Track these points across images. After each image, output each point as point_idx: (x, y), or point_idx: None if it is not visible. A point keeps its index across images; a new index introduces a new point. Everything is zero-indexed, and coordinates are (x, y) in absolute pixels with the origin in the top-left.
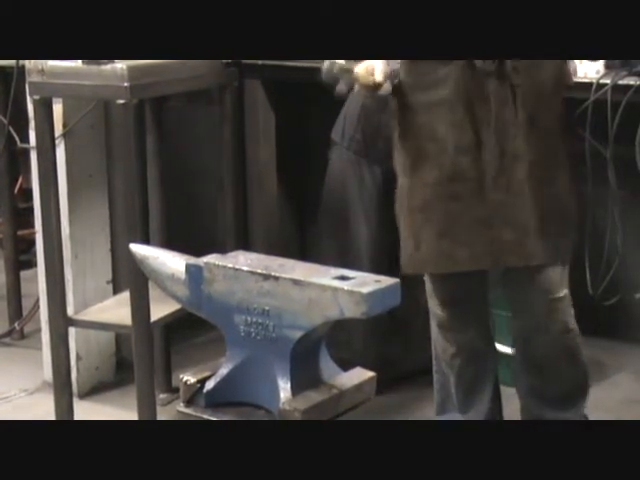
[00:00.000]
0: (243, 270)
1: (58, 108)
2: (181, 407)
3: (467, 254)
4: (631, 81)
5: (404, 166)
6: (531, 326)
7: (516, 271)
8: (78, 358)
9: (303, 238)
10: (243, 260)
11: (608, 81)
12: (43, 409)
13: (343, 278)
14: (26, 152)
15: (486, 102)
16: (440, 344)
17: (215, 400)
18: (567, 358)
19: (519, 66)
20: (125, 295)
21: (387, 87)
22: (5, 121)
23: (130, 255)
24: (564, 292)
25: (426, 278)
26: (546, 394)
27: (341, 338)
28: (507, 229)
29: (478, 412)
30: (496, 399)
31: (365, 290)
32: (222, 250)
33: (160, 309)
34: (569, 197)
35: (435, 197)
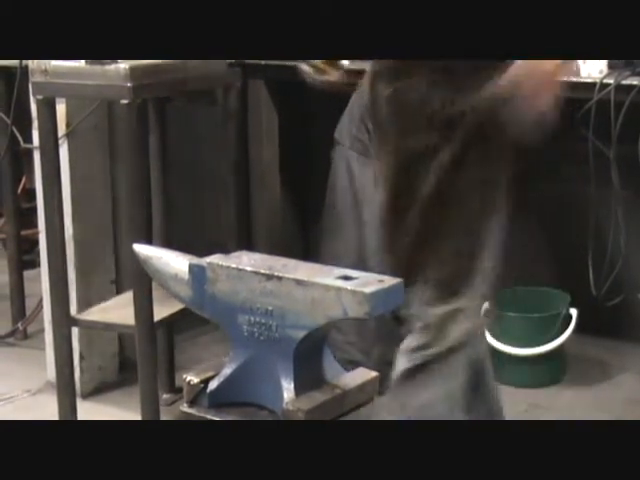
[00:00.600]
0: (246, 270)
1: (61, 108)
2: (184, 407)
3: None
4: (634, 81)
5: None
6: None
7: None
8: (81, 358)
9: (306, 238)
10: (246, 260)
11: (611, 81)
12: (46, 409)
13: (346, 278)
14: (29, 152)
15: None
16: None
17: (218, 400)
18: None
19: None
20: (128, 295)
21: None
22: (8, 121)
23: (133, 255)
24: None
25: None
26: None
27: (344, 338)
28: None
29: None
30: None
31: (368, 290)
32: (225, 250)
33: (163, 309)
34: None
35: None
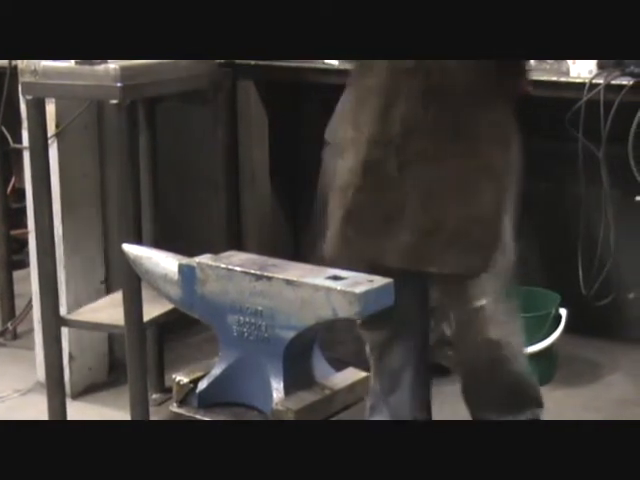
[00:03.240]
0: (236, 270)
1: (51, 108)
2: (174, 407)
3: (369, 247)
4: (624, 81)
5: (339, 149)
6: (452, 335)
7: (435, 278)
8: (71, 358)
9: (296, 238)
10: (236, 260)
11: (601, 81)
12: (36, 409)
13: (336, 278)
14: (19, 152)
15: (401, 96)
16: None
17: (208, 400)
18: (489, 369)
19: (434, 66)
20: (118, 295)
21: None
22: None
23: (123, 255)
24: (483, 302)
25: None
26: (478, 400)
27: (334, 338)
28: (406, 231)
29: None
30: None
31: (358, 290)
32: (215, 250)
33: (153, 309)
34: (493, 208)
35: (349, 183)
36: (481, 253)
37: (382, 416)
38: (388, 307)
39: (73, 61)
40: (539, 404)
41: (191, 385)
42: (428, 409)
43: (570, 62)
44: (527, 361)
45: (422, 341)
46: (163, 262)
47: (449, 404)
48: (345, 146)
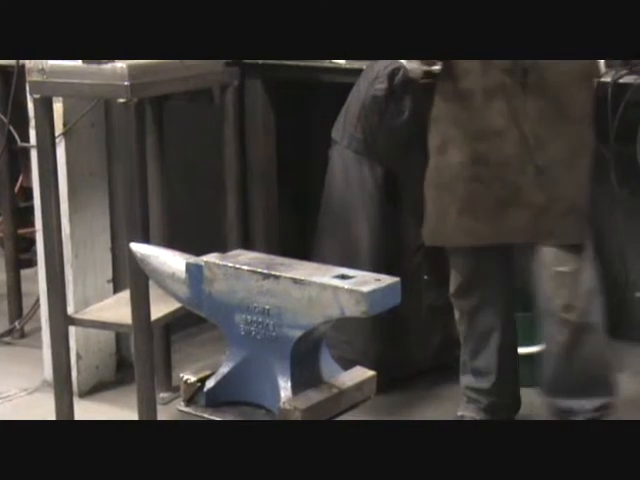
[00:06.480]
0: (243, 269)
1: (58, 107)
2: (181, 406)
3: (487, 230)
4: (631, 80)
5: (433, 147)
6: (539, 302)
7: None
8: (78, 357)
9: (303, 237)
10: (243, 259)
11: (608, 80)
12: (43, 409)
13: (343, 277)
14: (26, 151)
15: (503, 94)
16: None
17: (215, 399)
18: (571, 340)
19: (530, 65)
20: (125, 294)
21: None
22: (5, 120)
23: (130, 254)
24: (569, 268)
25: (450, 254)
26: (554, 381)
27: (341, 337)
28: (525, 210)
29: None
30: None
31: (365, 289)
32: (223, 249)
33: (160, 308)
34: (588, 179)
35: (458, 177)
36: (586, 220)
37: (466, 379)
38: (479, 275)
39: (80, 60)
40: (611, 391)
41: (198, 384)
42: (515, 371)
43: None
44: (605, 338)
45: (508, 306)
46: (170, 261)
47: (449, 404)
48: (445, 144)
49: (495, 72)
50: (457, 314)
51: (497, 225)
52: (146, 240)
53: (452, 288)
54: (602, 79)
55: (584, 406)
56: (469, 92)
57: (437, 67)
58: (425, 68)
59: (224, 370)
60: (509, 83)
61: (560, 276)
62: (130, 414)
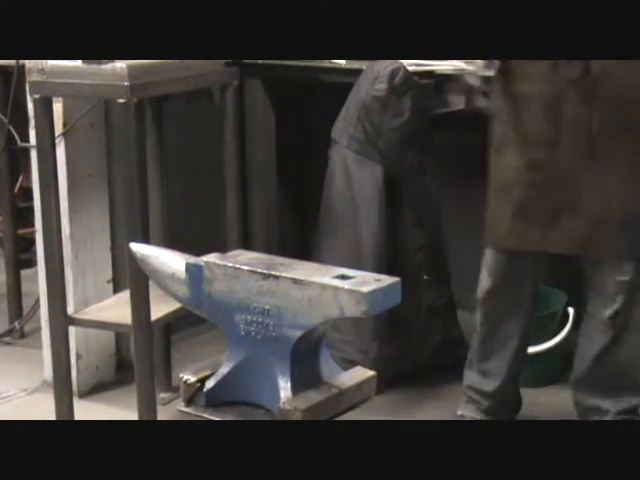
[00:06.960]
0: (243, 269)
1: (58, 107)
2: (181, 406)
3: (539, 237)
4: None
5: (492, 146)
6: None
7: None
8: (78, 357)
9: (303, 237)
10: (243, 259)
11: None
12: (43, 408)
13: (343, 277)
14: (26, 151)
15: (566, 103)
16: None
17: (215, 399)
18: (611, 340)
19: (599, 74)
20: (125, 294)
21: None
22: (5, 120)
23: (130, 254)
24: (629, 277)
25: (486, 250)
26: (589, 379)
27: (341, 337)
28: (580, 221)
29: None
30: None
31: (365, 289)
32: (222, 249)
33: (160, 308)
34: None
35: (514, 181)
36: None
37: (471, 377)
38: (511, 280)
39: (80, 60)
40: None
41: (198, 384)
42: (520, 375)
43: None
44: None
45: (531, 311)
46: (170, 261)
47: (449, 404)
48: (500, 146)
49: (560, 81)
50: (480, 317)
51: (550, 233)
52: (146, 240)
53: (481, 292)
54: None
55: (611, 406)
56: (526, 97)
57: (492, 71)
58: (483, 74)
59: (224, 370)
60: (573, 94)
61: (619, 284)
62: (130, 414)
